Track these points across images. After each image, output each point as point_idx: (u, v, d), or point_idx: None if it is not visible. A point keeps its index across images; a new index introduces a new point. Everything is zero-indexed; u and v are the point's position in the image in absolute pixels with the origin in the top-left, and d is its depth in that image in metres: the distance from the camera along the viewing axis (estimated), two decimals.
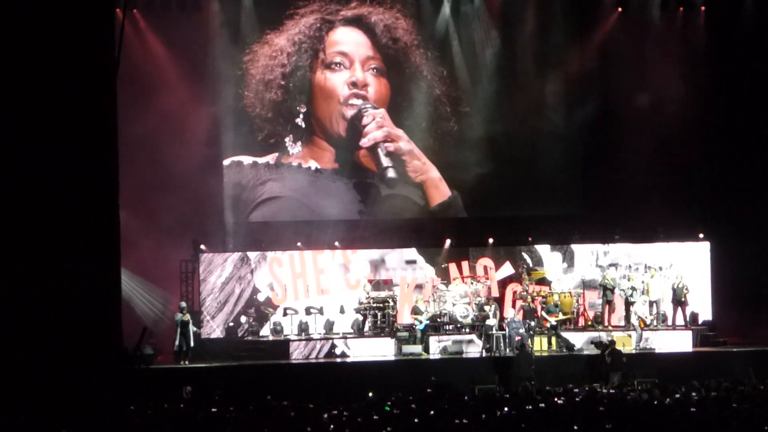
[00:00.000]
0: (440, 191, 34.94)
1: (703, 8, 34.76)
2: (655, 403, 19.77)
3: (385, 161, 34.51)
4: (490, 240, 33.71)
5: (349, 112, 34.55)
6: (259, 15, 34.45)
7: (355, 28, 34.68)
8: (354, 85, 34.51)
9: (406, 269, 33.35)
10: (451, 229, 34.11)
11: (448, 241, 33.50)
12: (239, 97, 34.36)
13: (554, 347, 30.72)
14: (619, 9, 35.02)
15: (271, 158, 34.70)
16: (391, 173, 34.54)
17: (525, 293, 32.00)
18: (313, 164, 34.77)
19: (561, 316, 31.33)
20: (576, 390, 23.19)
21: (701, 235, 33.31)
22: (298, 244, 33.21)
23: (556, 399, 20.89)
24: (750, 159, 33.63)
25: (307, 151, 34.78)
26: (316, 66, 34.56)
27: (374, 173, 34.86)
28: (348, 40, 34.68)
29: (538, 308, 31.59)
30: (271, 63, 34.33)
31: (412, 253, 33.39)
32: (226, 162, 34.44)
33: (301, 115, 34.58)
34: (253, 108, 34.41)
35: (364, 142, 34.52)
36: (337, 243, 33.50)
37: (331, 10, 34.43)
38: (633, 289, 31.66)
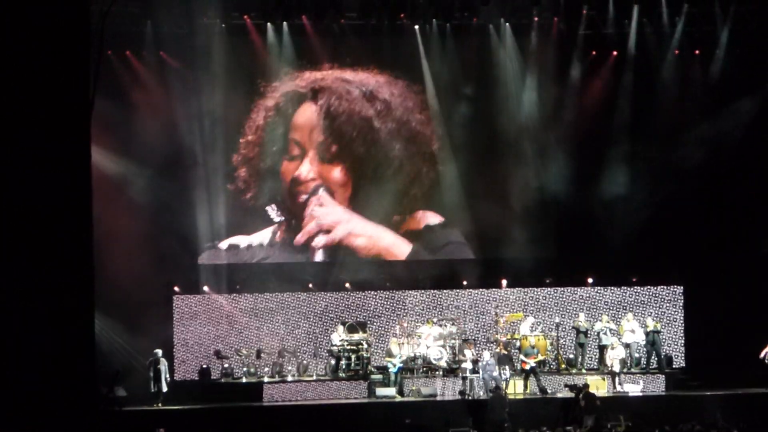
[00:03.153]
0: (401, 251, 34.72)
1: (677, 52, 34.85)
2: None
3: (319, 256, 34.38)
4: (465, 282, 33.86)
5: (302, 198, 34.31)
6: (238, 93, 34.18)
7: (313, 105, 34.37)
8: (297, 180, 34.20)
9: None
10: (427, 271, 34.15)
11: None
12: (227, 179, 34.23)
13: (529, 390, 30.73)
14: (594, 52, 35.06)
15: (265, 237, 34.43)
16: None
17: (499, 337, 31.99)
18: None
19: (539, 357, 31.33)
20: None
21: (674, 279, 33.47)
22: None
23: None
24: (724, 202, 33.76)
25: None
26: (278, 148, 34.39)
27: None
28: (305, 124, 34.36)
29: (512, 351, 31.58)
30: (252, 139, 34.16)
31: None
32: (222, 245, 34.12)
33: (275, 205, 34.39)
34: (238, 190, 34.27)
35: (298, 239, 34.30)
36: (311, 285, 33.56)
37: (298, 83, 34.21)
38: (609, 329, 31.76)
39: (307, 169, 34.17)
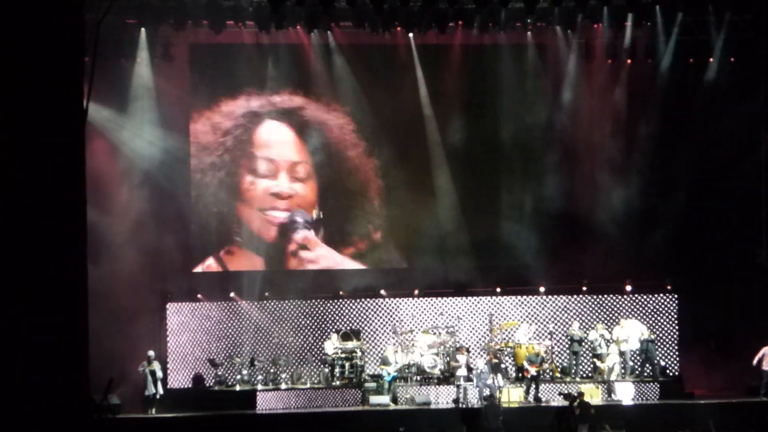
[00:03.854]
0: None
1: (671, 60, 34.85)
2: None
3: None
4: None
5: (277, 219, 34.36)
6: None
7: (285, 124, 34.44)
8: (278, 196, 34.30)
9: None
10: (421, 279, 34.14)
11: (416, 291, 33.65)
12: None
13: (522, 398, 30.70)
14: (589, 61, 35.01)
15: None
16: None
17: (492, 345, 31.96)
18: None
19: (545, 366, 31.33)
20: None
21: (669, 287, 33.47)
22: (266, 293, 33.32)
23: None
24: (718, 211, 33.77)
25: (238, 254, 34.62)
26: (243, 167, 34.32)
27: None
28: (276, 141, 34.40)
29: (502, 361, 31.54)
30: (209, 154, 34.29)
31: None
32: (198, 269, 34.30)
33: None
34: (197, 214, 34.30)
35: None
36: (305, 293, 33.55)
37: (262, 102, 34.24)
38: (603, 338, 31.75)
39: (286, 185, 34.26)
